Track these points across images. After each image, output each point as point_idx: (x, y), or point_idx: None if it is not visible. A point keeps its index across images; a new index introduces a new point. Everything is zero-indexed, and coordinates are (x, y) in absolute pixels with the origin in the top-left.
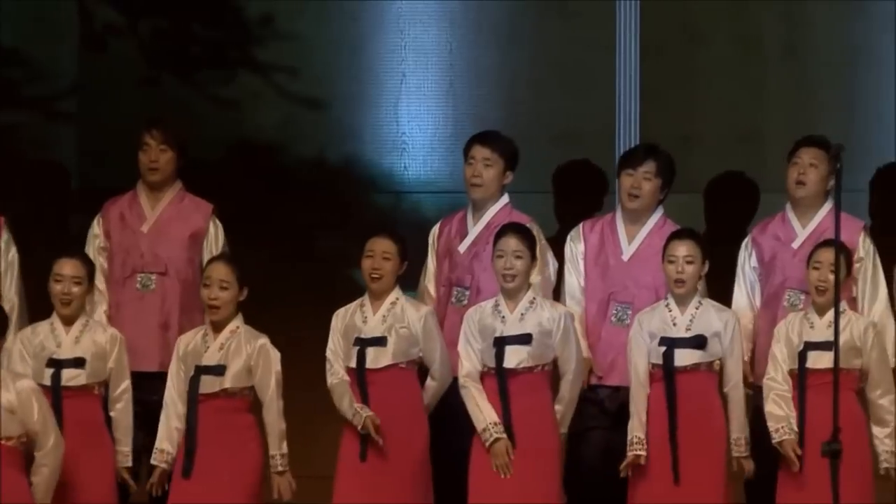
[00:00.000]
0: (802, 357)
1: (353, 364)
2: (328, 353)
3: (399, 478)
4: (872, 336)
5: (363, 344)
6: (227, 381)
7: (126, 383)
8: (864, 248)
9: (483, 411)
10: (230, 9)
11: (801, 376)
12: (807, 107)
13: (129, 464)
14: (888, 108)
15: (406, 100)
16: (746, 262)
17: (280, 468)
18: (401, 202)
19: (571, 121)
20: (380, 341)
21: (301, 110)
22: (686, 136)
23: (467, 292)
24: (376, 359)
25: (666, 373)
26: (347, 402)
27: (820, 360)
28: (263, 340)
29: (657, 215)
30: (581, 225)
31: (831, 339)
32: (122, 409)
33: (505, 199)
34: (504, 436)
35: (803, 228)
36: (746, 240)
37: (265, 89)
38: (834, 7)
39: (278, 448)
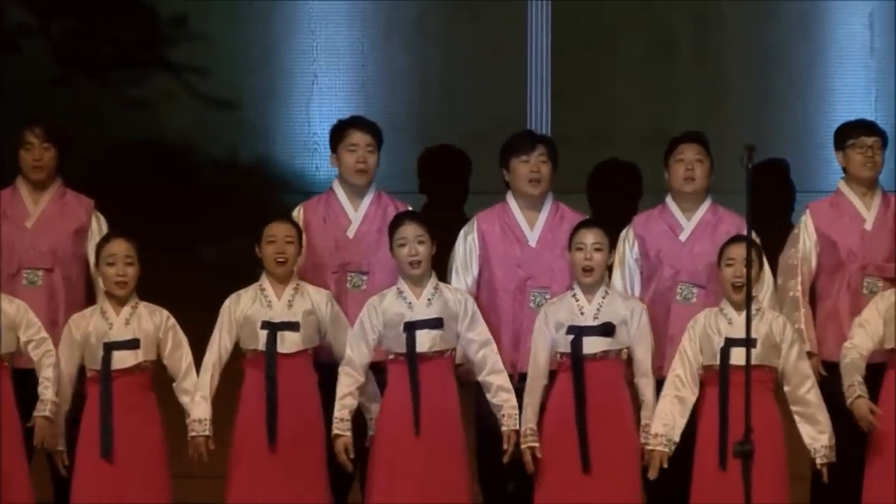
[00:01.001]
0: (725, 353)
1: (262, 347)
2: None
3: (302, 467)
4: (792, 332)
5: (273, 328)
6: (142, 355)
7: None
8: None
9: (346, 405)
10: (142, 9)
11: (723, 373)
12: (718, 107)
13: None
14: (798, 109)
15: (318, 100)
16: (628, 253)
17: (207, 433)
18: None
19: (483, 121)
20: (292, 326)
21: (213, 111)
22: (597, 137)
23: (364, 276)
24: (287, 343)
25: (574, 361)
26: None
27: (741, 357)
28: (166, 312)
29: (551, 199)
30: (476, 218)
31: (754, 335)
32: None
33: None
34: (347, 433)
35: (688, 221)
36: (627, 232)
37: (177, 90)
38: (745, 8)
39: (207, 413)
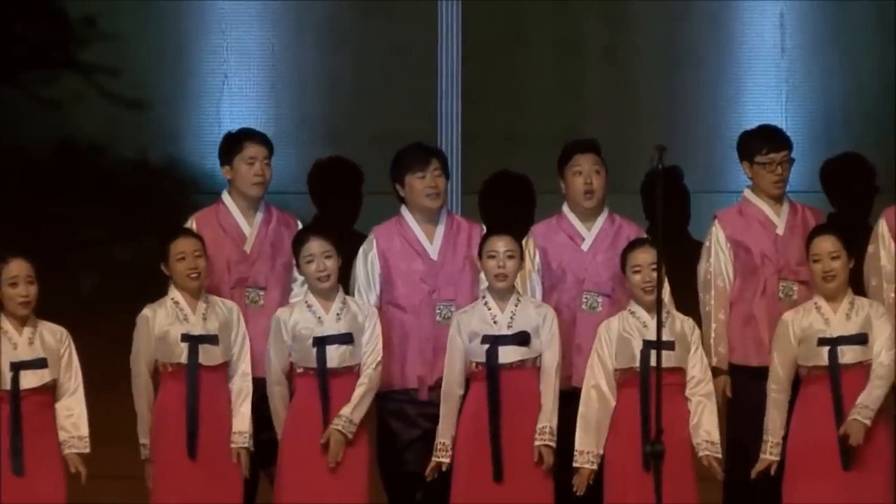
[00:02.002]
0: (645, 356)
1: (184, 360)
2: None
3: (222, 478)
4: (698, 334)
5: (194, 341)
6: (49, 374)
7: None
8: None
9: (280, 417)
10: (52, 9)
11: (643, 375)
12: (627, 107)
13: None
14: (709, 109)
15: (228, 100)
16: (530, 264)
17: (85, 450)
18: None
19: (393, 121)
20: (211, 339)
21: (123, 111)
22: (507, 137)
23: (262, 292)
24: (208, 356)
25: (490, 371)
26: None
27: (661, 359)
28: (63, 329)
29: (445, 210)
30: (373, 235)
31: (671, 337)
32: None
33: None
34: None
35: (588, 231)
36: (527, 242)
37: (87, 90)
38: (655, 8)
39: (84, 429)
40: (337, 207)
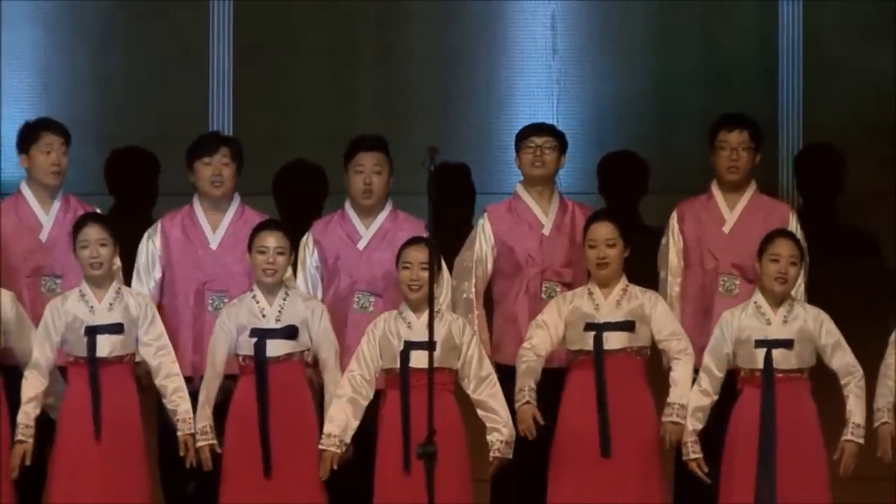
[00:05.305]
0: (405, 356)
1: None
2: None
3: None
4: (471, 333)
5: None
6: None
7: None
8: None
9: (30, 411)
10: None
11: (403, 376)
12: (399, 108)
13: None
14: (481, 111)
15: (2, 101)
16: (308, 259)
17: None
18: None
19: (166, 123)
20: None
21: None
22: (279, 139)
23: (59, 280)
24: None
25: (258, 364)
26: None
27: (421, 360)
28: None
29: (237, 202)
30: (160, 221)
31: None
32: None
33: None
34: (30, 440)
35: (367, 230)
36: (307, 238)
37: None
38: (427, 9)
39: None
40: (132, 203)
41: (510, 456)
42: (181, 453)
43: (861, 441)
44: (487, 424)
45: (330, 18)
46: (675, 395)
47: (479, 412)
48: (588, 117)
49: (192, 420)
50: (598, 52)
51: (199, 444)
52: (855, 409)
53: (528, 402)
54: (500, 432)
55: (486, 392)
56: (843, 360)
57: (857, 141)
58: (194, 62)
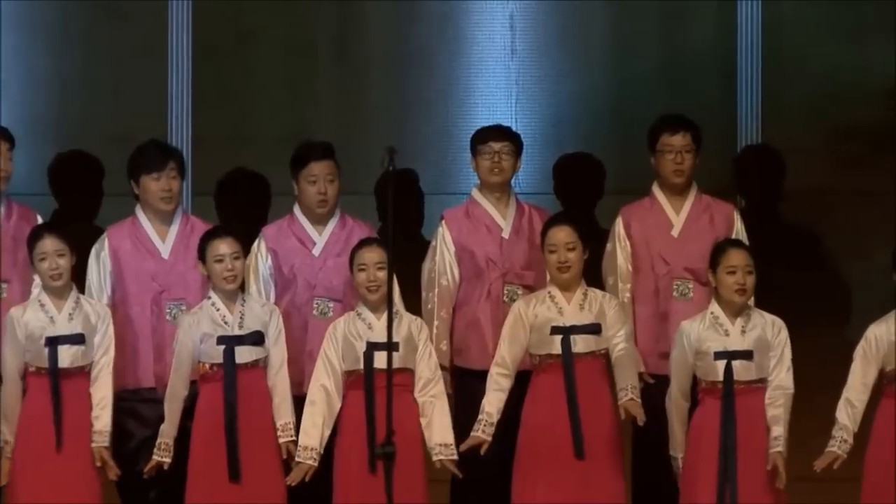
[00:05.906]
0: (369, 357)
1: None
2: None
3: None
4: (427, 334)
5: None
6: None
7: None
8: None
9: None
10: None
11: (367, 377)
12: (358, 109)
13: None
14: (440, 111)
15: None
16: (262, 265)
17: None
18: None
19: (125, 122)
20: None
21: None
22: (238, 138)
23: (4, 286)
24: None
25: (226, 372)
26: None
27: (385, 360)
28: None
29: (180, 210)
30: (106, 235)
31: (396, 339)
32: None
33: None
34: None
35: (320, 236)
36: (258, 244)
37: None
38: (385, 8)
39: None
40: (77, 205)
41: (455, 457)
42: (97, 464)
43: (781, 449)
44: (423, 423)
45: (288, 17)
46: (623, 380)
47: (421, 419)
48: (547, 117)
49: (108, 433)
50: (556, 53)
51: (155, 457)
52: (775, 424)
53: (482, 433)
54: (440, 437)
55: (431, 393)
56: (779, 375)
57: (815, 140)
58: (154, 62)
